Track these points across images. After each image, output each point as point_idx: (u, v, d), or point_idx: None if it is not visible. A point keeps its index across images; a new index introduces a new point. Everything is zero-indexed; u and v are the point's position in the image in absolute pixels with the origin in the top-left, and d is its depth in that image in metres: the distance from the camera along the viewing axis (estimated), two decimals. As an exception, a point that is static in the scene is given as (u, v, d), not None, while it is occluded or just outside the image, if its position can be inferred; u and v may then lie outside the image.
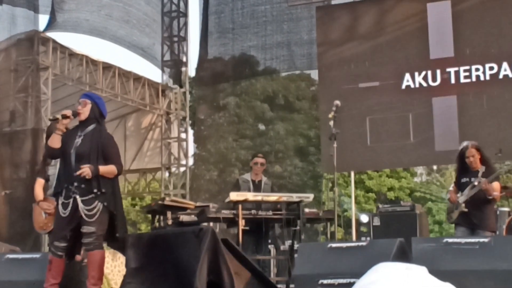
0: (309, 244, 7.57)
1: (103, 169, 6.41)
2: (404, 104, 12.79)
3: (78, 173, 6.31)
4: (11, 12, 13.69)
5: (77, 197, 6.37)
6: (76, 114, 6.55)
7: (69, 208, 6.37)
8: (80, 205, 6.36)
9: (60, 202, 6.46)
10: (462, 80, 12.40)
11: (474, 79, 12.33)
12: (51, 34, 14.13)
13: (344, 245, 6.24)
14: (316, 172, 25.23)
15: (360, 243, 6.20)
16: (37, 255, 7.18)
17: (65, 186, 6.44)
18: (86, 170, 6.31)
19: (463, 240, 5.91)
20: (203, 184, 24.86)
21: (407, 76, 12.80)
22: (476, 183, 8.02)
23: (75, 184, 6.39)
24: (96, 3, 15.61)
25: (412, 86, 12.75)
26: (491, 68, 12.18)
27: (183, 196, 17.03)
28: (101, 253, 6.44)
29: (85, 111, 6.56)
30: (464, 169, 8.32)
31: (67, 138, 6.49)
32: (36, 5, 13.66)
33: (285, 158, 25.47)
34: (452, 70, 12.45)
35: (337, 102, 8.11)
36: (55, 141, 6.51)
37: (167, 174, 18.22)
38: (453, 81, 12.47)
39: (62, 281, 6.45)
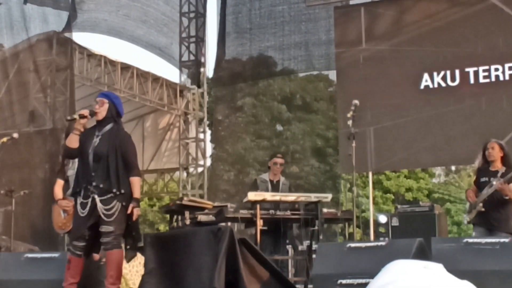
0: (328, 244, 7.54)
1: (135, 190, 6.47)
2: (423, 104, 12.74)
3: (134, 218, 6.42)
4: (42, 11, 13.79)
5: (96, 196, 6.38)
6: (93, 113, 6.55)
7: (88, 208, 6.39)
8: (99, 204, 6.36)
9: (78, 202, 6.47)
10: (482, 80, 12.34)
11: (493, 79, 12.28)
12: (69, 35, 14.18)
13: (363, 245, 6.22)
14: (334, 172, 25.19)
15: (379, 243, 6.16)
16: (55, 254, 7.20)
17: (84, 186, 6.45)
18: (136, 212, 6.42)
19: (483, 240, 5.87)
20: (220, 184, 24.87)
21: (426, 76, 12.75)
22: (494, 183, 7.97)
23: (94, 183, 6.41)
24: (115, 3, 15.67)
25: (431, 86, 12.70)
26: (510, 68, 12.12)
27: (201, 196, 17.05)
28: (119, 253, 6.45)
29: (102, 111, 6.56)
30: (484, 168, 8.27)
31: (85, 137, 6.50)
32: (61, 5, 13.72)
33: (302, 159, 25.44)
34: (471, 70, 12.39)
35: (356, 101, 8.07)
36: (73, 141, 6.52)
37: (185, 174, 18.24)
38: (472, 81, 12.41)
39: (81, 281, 6.46)
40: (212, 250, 6.00)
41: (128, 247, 6.67)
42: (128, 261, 6.90)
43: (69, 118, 6.53)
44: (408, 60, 13.02)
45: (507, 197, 7.93)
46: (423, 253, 5.90)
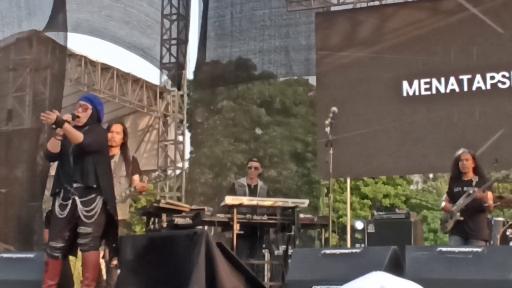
0: (302, 250, 7.57)
1: (69, 127, 6.35)
2: (402, 112, 12.84)
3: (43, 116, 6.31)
4: (22, 9, 13.77)
5: (76, 198, 6.38)
6: (75, 117, 6.54)
7: (67, 210, 6.38)
8: (79, 206, 6.36)
9: (57, 203, 6.45)
10: (458, 89, 12.47)
11: (467, 88, 12.42)
12: (50, 34, 14.12)
13: (337, 251, 6.27)
14: (311, 177, 25.25)
15: (354, 250, 6.22)
16: (31, 255, 7.19)
17: (64, 187, 6.44)
18: (52, 115, 6.29)
19: (456, 249, 5.93)
20: (198, 187, 24.87)
21: (405, 83, 12.84)
22: (471, 192, 8.06)
23: (74, 185, 6.41)
24: (97, 4, 15.64)
25: (410, 93, 12.80)
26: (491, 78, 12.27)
27: (179, 199, 17.03)
28: (96, 254, 6.45)
29: (84, 117, 6.56)
30: (457, 179, 8.36)
31: (64, 139, 6.49)
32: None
33: (280, 163, 25.48)
34: (449, 78, 12.52)
35: (334, 108, 8.14)
36: (55, 146, 6.50)
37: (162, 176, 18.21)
38: (449, 89, 12.53)
39: (59, 281, 6.46)
40: (188, 254, 6.02)
41: (108, 248, 6.68)
42: (111, 258, 6.93)
43: (54, 126, 6.49)
44: (388, 68, 13.12)
45: (486, 204, 8.03)
46: (397, 261, 5.95)
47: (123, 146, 7.84)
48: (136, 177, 8.01)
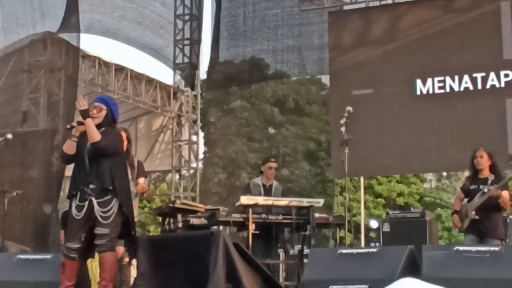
0: (319, 250, 7.59)
1: (91, 123, 6.40)
2: (415, 110, 12.81)
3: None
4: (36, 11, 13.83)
5: (93, 199, 6.41)
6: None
7: (84, 211, 6.41)
8: (96, 207, 6.38)
9: (74, 205, 6.48)
10: (472, 88, 12.43)
11: (481, 86, 12.39)
12: (63, 35, 14.19)
13: (354, 251, 6.27)
14: (325, 176, 25.22)
15: (370, 250, 6.21)
16: (48, 256, 7.21)
17: (80, 189, 6.47)
18: (86, 103, 6.39)
19: (473, 249, 5.92)
20: (211, 187, 24.90)
21: (419, 82, 12.81)
22: (486, 190, 8.03)
23: (91, 186, 6.44)
24: (110, 5, 15.70)
25: (424, 92, 12.77)
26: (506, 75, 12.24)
27: (193, 199, 17.07)
28: (113, 255, 6.47)
29: (99, 117, 6.58)
30: (474, 176, 8.33)
31: (80, 140, 6.52)
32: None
33: (293, 162, 25.48)
34: (463, 77, 12.49)
35: (349, 108, 8.12)
36: (70, 147, 6.54)
37: (177, 176, 18.25)
38: (463, 88, 12.51)
39: (76, 282, 6.49)
40: (205, 254, 6.04)
41: (126, 249, 6.70)
42: (130, 261, 6.96)
43: (68, 126, 6.53)
44: (401, 66, 13.08)
45: (500, 200, 7.98)
46: (413, 261, 5.95)
47: (127, 153, 7.88)
48: (141, 180, 8.14)
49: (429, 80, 12.79)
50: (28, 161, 13.13)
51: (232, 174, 25.38)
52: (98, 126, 6.55)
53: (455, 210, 8.37)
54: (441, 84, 12.69)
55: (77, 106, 6.43)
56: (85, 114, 6.39)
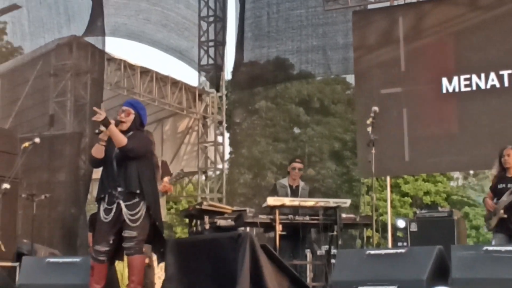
0: (347, 251, 7.56)
1: (114, 129, 6.44)
2: (441, 108, 12.73)
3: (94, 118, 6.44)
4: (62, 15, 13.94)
5: (121, 202, 6.45)
6: (118, 123, 6.60)
7: (112, 214, 6.45)
8: (124, 210, 6.43)
9: (102, 208, 6.53)
10: (499, 85, 12.34)
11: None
12: (89, 39, 14.28)
13: (382, 252, 6.24)
14: (351, 176, 25.17)
15: (399, 250, 6.18)
16: (77, 259, 7.27)
17: (109, 192, 6.52)
18: (103, 114, 6.41)
19: (503, 248, 5.87)
20: (237, 187, 24.93)
21: (445, 80, 12.74)
22: (515, 188, 7.99)
23: (119, 189, 6.48)
24: (134, 8, 15.79)
25: (451, 90, 12.69)
26: None
27: (219, 200, 17.11)
28: (141, 258, 6.51)
29: (127, 121, 6.63)
30: (501, 175, 8.28)
31: (108, 144, 6.57)
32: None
33: (319, 162, 25.44)
34: (490, 74, 12.39)
35: (375, 108, 8.09)
36: (99, 151, 6.59)
37: (203, 178, 18.30)
38: (489, 85, 12.41)
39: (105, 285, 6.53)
40: (233, 257, 6.05)
41: (155, 252, 6.75)
42: (159, 263, 7.00)
43: (97, 131, 6.57)
44: (427, 65, 13.01)
45: None
46: (442, 261, 5.91)
47: None
48: (166, 179, 8.21)
49: (455, 78, 12.69)
50: (56, 165, 13.23)
51: (257, 175, 25.39)
52: (127, 130, 6.60)
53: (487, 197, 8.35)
54: (467, 82, 12.59)
55: (95, 119, 6.47)
56: (105, 122, 6.42)
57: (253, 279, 5.93)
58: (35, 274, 7.27)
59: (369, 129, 7.85)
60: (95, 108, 6.63)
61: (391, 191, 21.26)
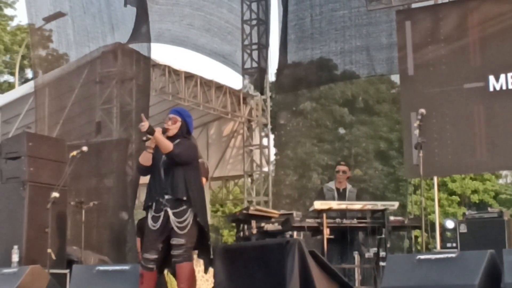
0: (397, 256, 7.51)
1: (160, 135, 6.49)
2: (489, 107, 12.57)
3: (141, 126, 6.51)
4: (106, 23, 14.05)
5: (168, 209, 6.48)
6: (165, 130, 6.65)
7: (160, 221, 6.49)
8: (172, 217, 6.47)
9: (150, 215, 6.59)
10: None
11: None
12: (134, 46, 14.39)
13: (433, 256, 6.16)
14: (397, 175, 25.02)
15: (449, 255, 6.09)
16: (126, 267, 7.33)
17: (156, 199, 6.56)
18: (146, 123, 6.46)
19: (558, 252, 5.76)
20: (283, 189, 24.93)
21: (492, 78, 12.57)
22: None
23: (166, 197, 6.51)
24: (178, 14, 15.86)
25: (498, 88, 12.52)
26: None
27: (266, 202, 17.11)
28: (190, 265, 6.54)
29: (174, 128, 6.69)
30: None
31: (155, 152, 6.61)
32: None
33: (365, 162, 25.35)
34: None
35: (422, 110, 8.01)
36: (146, 159, 6.64)
37: (249, 181, 18.32)
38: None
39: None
40: (281, 263, 6.04)
41: (202, 259, 6.79)
42: (206, 271, 7.03)
43: (144, 138, 6.64)
44: (473, 63, 12.84)
45: None
46: (494, 266, 5.82)
47: None
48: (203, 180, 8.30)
49: (502, 76, 12.50)
50: (103, 171, 13.33)
51: (303, 176, 25.38)
52: (173, 138, 6.64)
53: None
54: (515, 80, 12.42)
55: (140, 128, 6.52)
56: (150, 131, 6.47)
57: (302, 285, 5.92)
58: (85, 282, 7.35)
59: (416, 132, 7.77)
60: (142, 116, 6.69)
61: (439, 190, 21.05)
